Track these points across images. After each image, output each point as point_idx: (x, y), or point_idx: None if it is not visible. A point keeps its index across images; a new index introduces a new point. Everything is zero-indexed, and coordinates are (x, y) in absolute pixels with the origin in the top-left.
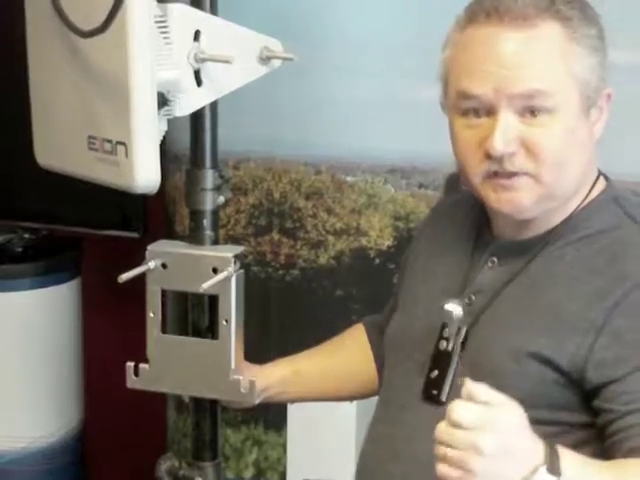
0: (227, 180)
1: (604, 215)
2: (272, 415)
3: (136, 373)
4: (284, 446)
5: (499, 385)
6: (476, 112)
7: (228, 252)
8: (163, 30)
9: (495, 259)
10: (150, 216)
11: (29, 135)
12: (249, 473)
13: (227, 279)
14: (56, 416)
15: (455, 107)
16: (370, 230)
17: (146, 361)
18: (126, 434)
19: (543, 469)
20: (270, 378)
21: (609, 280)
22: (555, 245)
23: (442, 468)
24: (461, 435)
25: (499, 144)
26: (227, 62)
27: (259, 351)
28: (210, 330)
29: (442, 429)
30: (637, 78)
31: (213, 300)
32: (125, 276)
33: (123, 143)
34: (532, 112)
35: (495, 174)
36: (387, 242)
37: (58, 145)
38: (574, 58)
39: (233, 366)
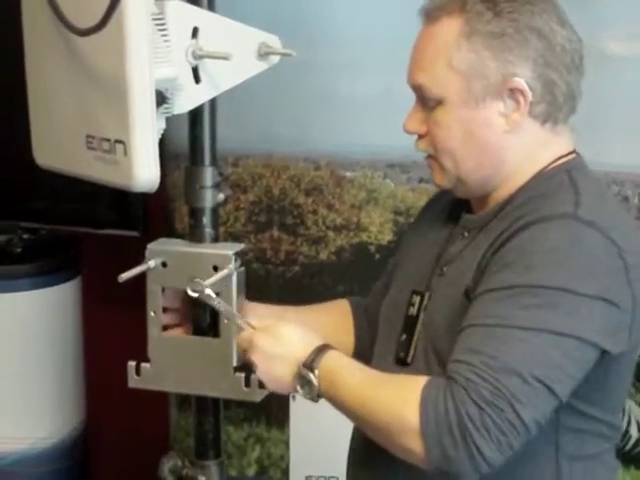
0: (226, 177)
1: (551, 182)
2: (274, 412)
3: (138, 372)
4: (287, 443)
5: (438, 337)
6: None
7: (228, 250)
8: (161, 27)
9: (466, 232)
10: (150, 215)
11: (28, 135)
12: (252, 471)
13: (228, 277)
14: (58, 417)
15: None
16: (370, 225)
17: (147, 360)
18: (128, 433)
19: (301, 365)
20: (257, 312)
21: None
22: (505, 211)
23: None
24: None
25: (405, 125)
26: (225, 59)
27: None
28: (211, 328)
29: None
30: (634, 68)
31: None
32: (125, 275)
33: (122, 142)
34: (428, 103)
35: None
36: (387, 237)
37: (56, 144)
38: (456, 51)
39: (235, 364)
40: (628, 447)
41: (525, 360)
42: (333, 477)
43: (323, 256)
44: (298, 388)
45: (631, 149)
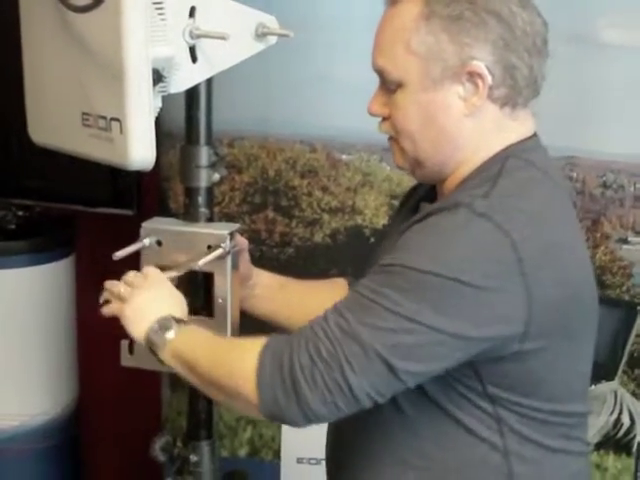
0: (222, 157)
1: (485, 172)
2: None
3: (131, 351)
4: (278, 425)
5: None
6: None
7: (223, 229)
8: (158, 6)
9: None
10: (144, 193)
11: (23, 112)
12: (244, 451)
13: (222, 256)
14: (51, 394)
15: None
16: (365, 209)
17: None
18: (121, 412)
19: (170, 315)
20: (261, 278)
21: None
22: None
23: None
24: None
25: (369, 107)
26: (222, 38)
27: (254, 329)
28: (205, 308)
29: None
30: (630, 56)
31: (208, 278)
32: (120, 253)
33: (117, 119)
34: (390, 86)
35: None
36: (382, 221)
37: (52, 122)
38: (414, 34)
39: None
40: (620, 435)
41: (374, 336)
42: (324, 459)
43: (318, 238)
44: (152, 331)
45: (626, 138)
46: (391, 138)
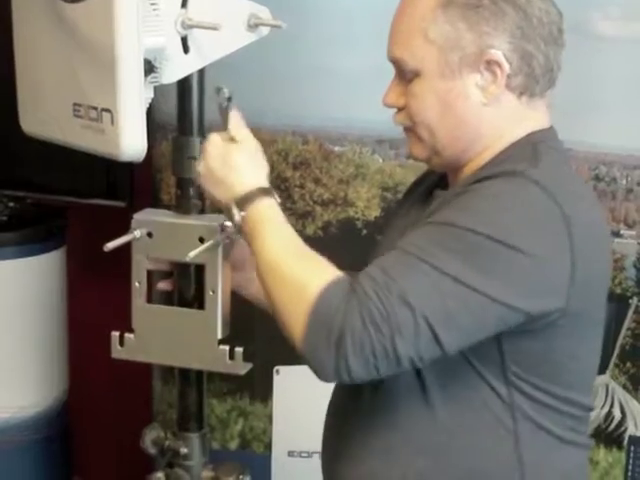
0: None
1: (516, 158)
2: (258, 386)
3: (121, 343)
4: (270, 417)
5: None
6: None
7: (215, 221)
8: None
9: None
10: (136, 185)
11: (14, 102)
12: (234, 444)
13: (214, 248)
14: (41, 386)
15: None
16: (358, 201)
17: (131, 331)
18: (111, 404)
19: (234, 201)
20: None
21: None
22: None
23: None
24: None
25: (385, 98)
26: (215, 29)
27: (246, 323)
28: (196, 300)
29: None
30: (626, 48)
31: (199, 270)
32: (111, 245)
33: (109, 110)
34: (406, 75)
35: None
36: (375, 213)
37: (43, 112)
38: (432, 23)
39: (220, 336)
40: (611, 428)
41: (422, 296)
42: (316, 452)
43: (310, 231)
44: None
45: (620, 130)
46: (407, 129)
